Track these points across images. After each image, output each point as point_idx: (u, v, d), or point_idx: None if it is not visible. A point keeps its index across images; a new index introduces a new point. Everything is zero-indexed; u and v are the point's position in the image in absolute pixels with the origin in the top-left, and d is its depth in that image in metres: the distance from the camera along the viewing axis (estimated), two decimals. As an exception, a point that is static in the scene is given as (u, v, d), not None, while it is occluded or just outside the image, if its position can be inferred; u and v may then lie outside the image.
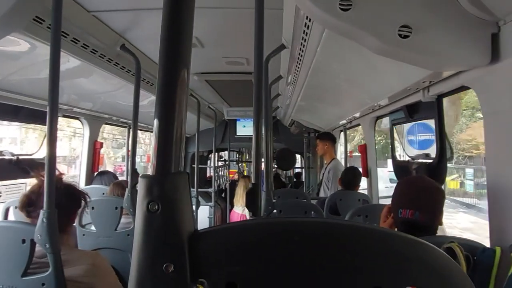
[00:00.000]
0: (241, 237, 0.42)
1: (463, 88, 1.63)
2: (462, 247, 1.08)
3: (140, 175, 0.44)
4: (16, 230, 1.35)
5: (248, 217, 5.34)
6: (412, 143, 2.49)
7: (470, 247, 1.14)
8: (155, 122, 0.44)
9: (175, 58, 0.46)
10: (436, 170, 1.92)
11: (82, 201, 1.59)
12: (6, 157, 2.42)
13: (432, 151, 2.02)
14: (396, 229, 1.35)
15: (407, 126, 2.56)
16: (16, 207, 2.22)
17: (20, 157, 2.49)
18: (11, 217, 2.26)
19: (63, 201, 1.45)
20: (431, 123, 2.03)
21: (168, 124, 0.43)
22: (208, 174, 7.84)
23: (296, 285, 0.40)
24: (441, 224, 1.36)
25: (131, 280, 0.42)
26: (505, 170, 1.27)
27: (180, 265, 0.41)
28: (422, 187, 1.37)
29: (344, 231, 0.42)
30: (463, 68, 1.40)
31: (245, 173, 10.15)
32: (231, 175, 9.12)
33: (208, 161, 7.24)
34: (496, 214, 1.32)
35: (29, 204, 1.44)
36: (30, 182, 2.66)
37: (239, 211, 5.76)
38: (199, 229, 0.44)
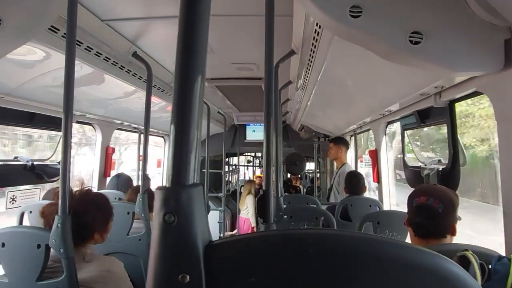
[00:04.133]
0: (255, 248, 0.43)
1: (475, 94, 1.61)
2: (476, 255, 1.06)
3: (157, 186, 0.45)
4: (32, 235, 1.38)
5: (251, 221, 5.32)
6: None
7: (485, 256, 1.12)
8: (171, 133, 0.44)
9: (190, 67, 0.46)
10: (449, 177, 1.90)
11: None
12: (22, 163, 2.47)
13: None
14: (410, 222, 1.42)
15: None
16: (30, 212, 2.27)
17: (35, 162, 2.54)
18: (25, 221, 2.29)
19: (95, 214, 1.50)
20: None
21: (184, 136, 0.44)
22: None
23: None
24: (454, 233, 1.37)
25: None
26: None
27: (196, 276, 0.42)
28: (435, 185, 1.48)
29: (358, 243, 0.42)
30: (475, 74, 1.38)
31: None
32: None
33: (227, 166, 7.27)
34: (511, 222, 1.30)
35: None
36: (44, 187, 2.71)
37: (243, 215, 5.81)
38: (211, 236, 0.45)
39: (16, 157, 2.48)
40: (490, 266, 1.08)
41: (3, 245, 1.37)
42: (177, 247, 0.42)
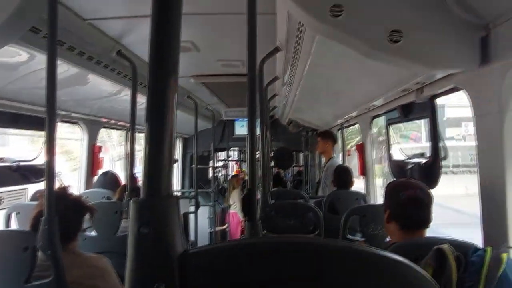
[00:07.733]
0: (228, 257, 0.44)
1: (455, 89, 1.65)
2: (454, 247, 1.10)
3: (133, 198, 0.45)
4: (18, 238, 1.37)
5: (240, 216, 5.27)
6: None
7: (463, 248, 1.15)
8: (146, 143, 0.45)
9: (164, 68, 0.46)
10: (430, 170, 1.94)
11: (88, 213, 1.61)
12: (7, 164, 2.43)
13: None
14: (397, 216, 1.42)
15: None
16: (18, 213, 2.24)
17: (21, 163, 2.50)
18: (13, 222, 2.26)
19: (70, 214, 1.48)
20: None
21: (158, 145, 0.45)
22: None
23: None
24: None
25: None
26: (497, 171, 1.29)
27: (171, 285, 0.43)
28: (410, 180, 1.55)
29: (324, 251, 0.44)
30: (452, 71, 1.42)
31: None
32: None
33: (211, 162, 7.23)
34: (488, 215, 1.35)
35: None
36: (31, 188, 2.68)
37: (232, 209, 5.85)
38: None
39: (1, 158, 2.45)
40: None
41: None
42: (152, 258, 0.43)
